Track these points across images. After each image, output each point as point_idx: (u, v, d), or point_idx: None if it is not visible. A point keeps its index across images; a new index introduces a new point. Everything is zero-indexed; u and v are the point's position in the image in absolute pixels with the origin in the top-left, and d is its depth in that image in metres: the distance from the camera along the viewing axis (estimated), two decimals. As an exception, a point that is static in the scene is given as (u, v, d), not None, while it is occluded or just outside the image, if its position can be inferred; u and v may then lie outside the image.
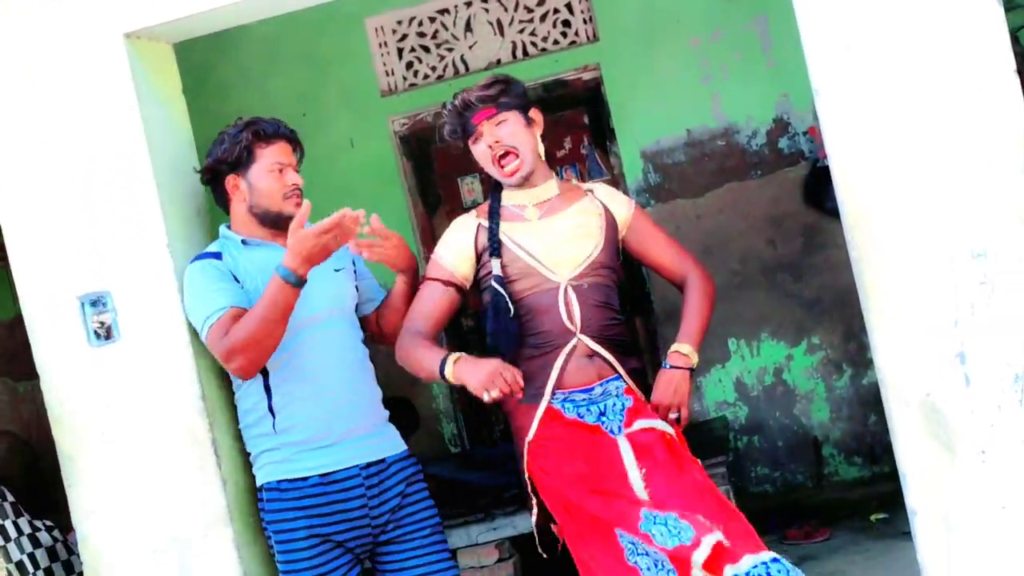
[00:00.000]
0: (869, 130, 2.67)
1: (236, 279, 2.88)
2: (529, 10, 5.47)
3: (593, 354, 2.87)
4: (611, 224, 2.97)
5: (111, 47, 3.04)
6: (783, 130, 5.35)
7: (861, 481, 5.31)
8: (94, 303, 3.04)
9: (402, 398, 5.00)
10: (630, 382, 2.90)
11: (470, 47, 5.52)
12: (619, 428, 2.83)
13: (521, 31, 5.48)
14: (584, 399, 2.85)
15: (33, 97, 3.07)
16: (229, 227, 3.00)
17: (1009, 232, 2.60)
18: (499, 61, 5.48)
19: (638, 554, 2.64)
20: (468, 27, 5.51)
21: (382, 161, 5.55)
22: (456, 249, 2.94)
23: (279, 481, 2.86)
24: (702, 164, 5.41)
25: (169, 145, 3.14)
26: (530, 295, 2.88)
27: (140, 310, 3.02)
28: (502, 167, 2.92)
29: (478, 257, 2.93)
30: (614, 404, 2.86)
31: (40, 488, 5.16)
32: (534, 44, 5.47)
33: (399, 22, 5.57)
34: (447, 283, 2.93)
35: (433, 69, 5.55)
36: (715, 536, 2.54)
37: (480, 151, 2.94)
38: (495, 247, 2.89)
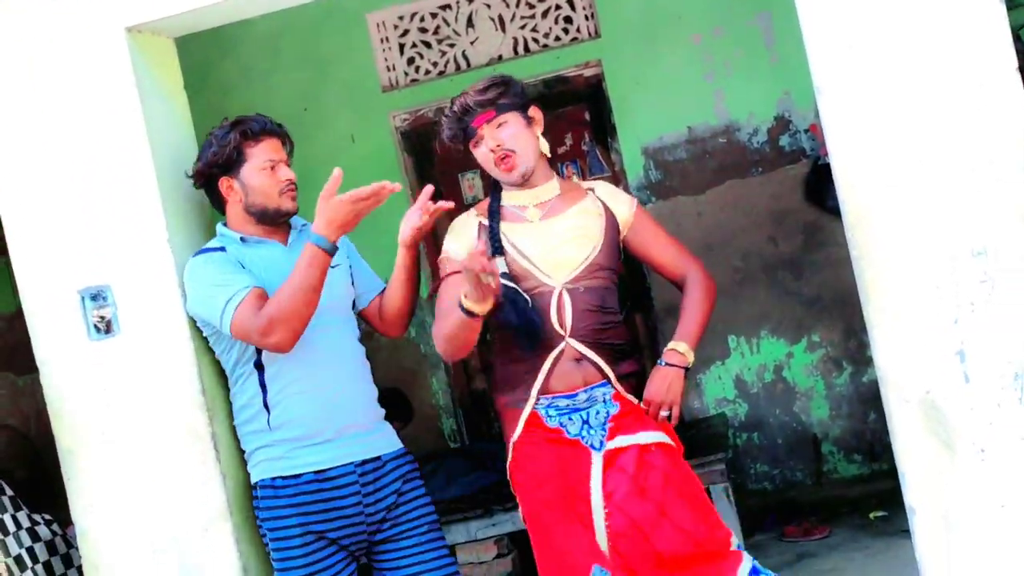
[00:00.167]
0: (871, 128, 2.67)
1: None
2: (531, 6, 5.47)
3: (581, 358, 2.85)
4: (612, 224, 2.96)
5: (112, 41, 3.03)
6: (785, 127, 5.35)
7: (860, 479, 5.31)
8: (94, 297, 3.04)
9: (395, 389, 5.00)
10: (619, 387, 2.88)
11: (471, 43, 5.52)
12: (600, 443, 2.84)
13: (523, 27, 5.48)
14: (567, 405, 2.85)
15: (34, 92, 3.07)
16: (226, 225, 2.99)
17: (1010, 230, 2.60)
18: (500, 57, 5.48)
19: None
20: (470, 23, 5.51)
21: (383, 156, 5.55)
22: (465, 245, 2.91)
23: (273, 478, 2.85)
24: (703, 161, 5.41)
25: (170, 139, 3.14)
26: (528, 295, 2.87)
27: (140, 304, 3.02)
28: (504, 169, 2.90)
29: None
30: (598, 412, 2.86)
31: (40, 482, 5.16)
32: (536, 40, 5.47)
33: (400, 17, 5.57)
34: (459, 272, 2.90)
35: (434, 65, 5.55)
36: None
37: (482, 154, 2.92)
38: (497, 246, 2.88)
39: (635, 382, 2.92)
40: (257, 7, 3.22)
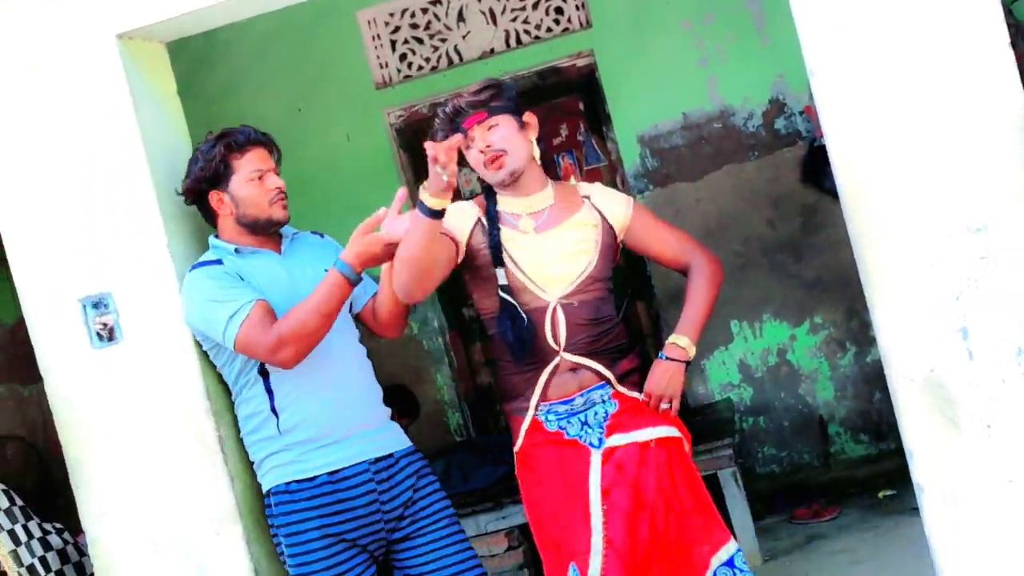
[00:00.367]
0: (865, 109, 2.67)
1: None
2: (521, -2, 5.46)
3: (578, 367, 2.87)
4: (608, 232, 2.94)
5: (104, 49, 3.03)
6: (779, 110, 5.34)
7: (868, 458, 5.31)
8: (96, 305, 3.04)
9: (400, 386, 5.01)
10: (618, 386, 2.89)
11: (463, 37, 5.51)
12: (599, 440, 2.85)
13: (514, 19, 5.47)
14: (565, 410, 2.87)
15: (29, 102, 3.07)
16: (218, 237, 2.98)
17: (1007, 207, 2.60)
18: (492, 50, 5.47)
19: None
20: (461, 17, 5.50)
21: (379, 154, 5.55)
22: (457, 226, 2.89)
23: (288, 483, 2.85)
24: (699, 147, 5.40)
25: (165, 144, 3.14)
26: (523, 310, 2.87)
27: (142, 310, 3.02)
28: (493, 169, 2.88)
29: (468, 247, 2.91)
30: (596, 413, 2.87)
31: (49, 491, 5.17)
32: (527, 32, 5.46)
33: (391, 14, 5.56)
34: (449, 237, 2.87)
35: (427, 60, 5.54)
36: None
37: (473, 156, 2.90)
38: (497, 257, 2.86)
39: (638, 376, 2.92)
40: (247, 9, 3.22)
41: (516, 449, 2.92)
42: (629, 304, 5.44)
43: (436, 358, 5.63)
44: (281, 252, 2.97)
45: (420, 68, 5.54)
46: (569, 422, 2.87)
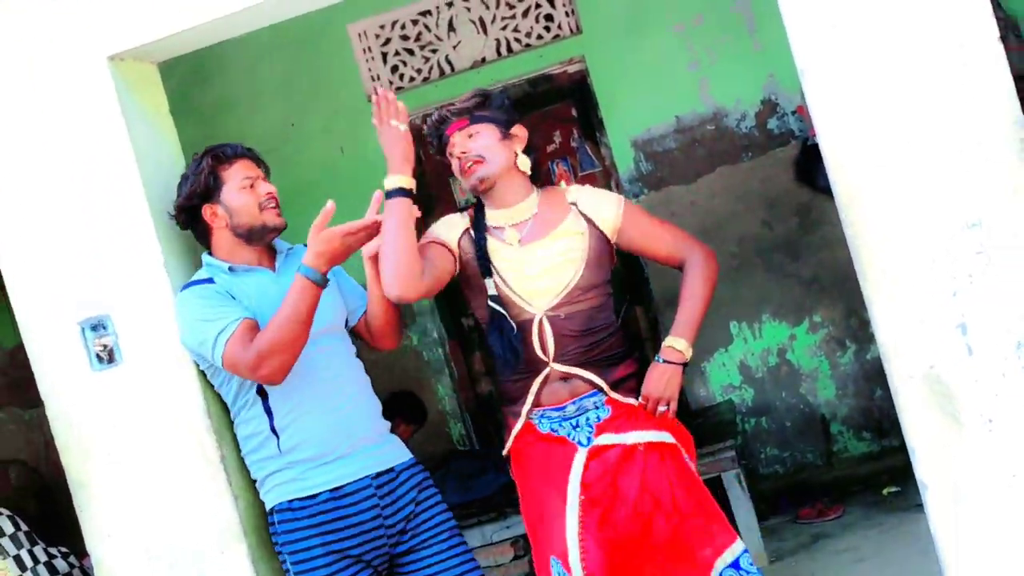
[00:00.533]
0: (857, 107, 2.67)
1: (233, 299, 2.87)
2: (511, 6, 5.47)
3: (569, 376, 2.88)
4: (599, 237, 2.93)
5: (96, 71, 3.04)
6: (772, 111, 5.35)
7: (871, 456, 5.31)
8: (94, 327, 3.04)
9: (407, 392, 5.01)
10: (611, 393, 2.89)
11: (454, 47, 5.52)
12: (587, 439, 2.86)
13: (504, 28, 5.48)
14: (557, 416, 2.89)
15: (22, 127, 3.07)
16: (211, 254, 2.97)
17: (1002, 202, 2.60)
18: (484, 59, 5.48)
19: None
20: (451, 27, 5.51)
21: (373, 166, 5.53)
22: (447, 236, 2.93)
23: (290, 501, 2.84)
24: (693, 150, 5.41)
25: (159, 163, 3.14)
26: (513, 321, 2.89)
27: (141, 331, 3.02)
28: (466, 175, 2.91)
29: (458, 258, 2.93)
30: (587, 418, 2.88)
31: (53, 515, 5.16)
32: (518, 40, 5.47)
33: (382, 26, 5.57)
34: (444, 246, 2.92)
35: (419, 71, 5.55)
36: None
37: (454, 163, 2.95)
38: (485, 267, 2.88)
39: (635, 382, 2.93)
40: (237, 27, 3.22)
41: (506, 450, 2.96)
42: (628, 309, 5.44)
43: (436, 368, 5.63)
44: (276, 269, 2.97)
45: (412, 79, 5.55)
46: (560, 425, 2.89)
